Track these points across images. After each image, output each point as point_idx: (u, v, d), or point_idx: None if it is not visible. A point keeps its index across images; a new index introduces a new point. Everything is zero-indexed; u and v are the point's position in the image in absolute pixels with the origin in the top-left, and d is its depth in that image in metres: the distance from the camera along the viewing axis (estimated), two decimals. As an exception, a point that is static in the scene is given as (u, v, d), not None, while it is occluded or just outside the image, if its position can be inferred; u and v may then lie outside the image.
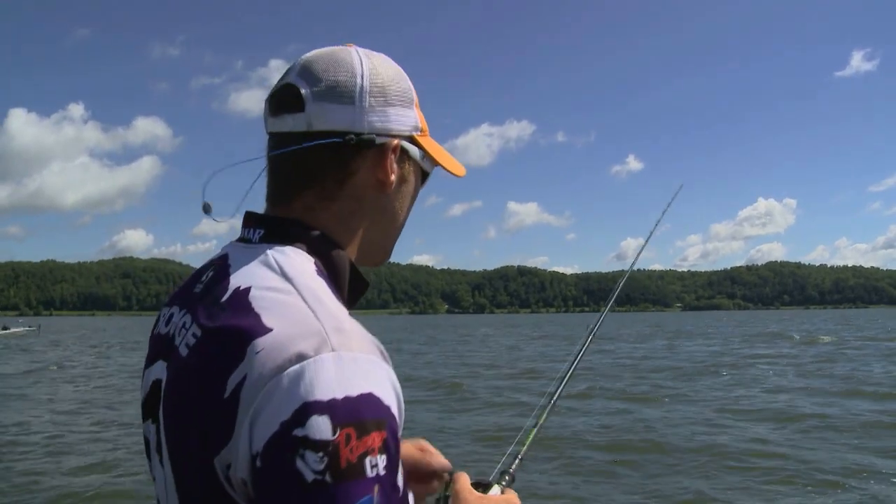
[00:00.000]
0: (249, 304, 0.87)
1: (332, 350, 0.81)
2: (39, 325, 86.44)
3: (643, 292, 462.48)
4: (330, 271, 0.98)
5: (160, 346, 1.01)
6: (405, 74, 1.08)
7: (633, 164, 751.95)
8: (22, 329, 72.23)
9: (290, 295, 0.88)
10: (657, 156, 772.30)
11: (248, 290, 0.90)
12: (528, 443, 1.57)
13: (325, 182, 1.01)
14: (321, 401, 0.77)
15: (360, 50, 1.06)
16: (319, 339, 0.82)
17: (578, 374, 2.61)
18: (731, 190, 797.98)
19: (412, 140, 1.06)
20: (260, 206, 1.08)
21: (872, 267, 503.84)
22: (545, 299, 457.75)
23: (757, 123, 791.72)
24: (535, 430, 1.64)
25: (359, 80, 1.00)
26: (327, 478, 0.75)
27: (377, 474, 0.78)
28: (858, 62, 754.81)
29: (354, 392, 0.79)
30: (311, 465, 0.75)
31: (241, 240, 1.05)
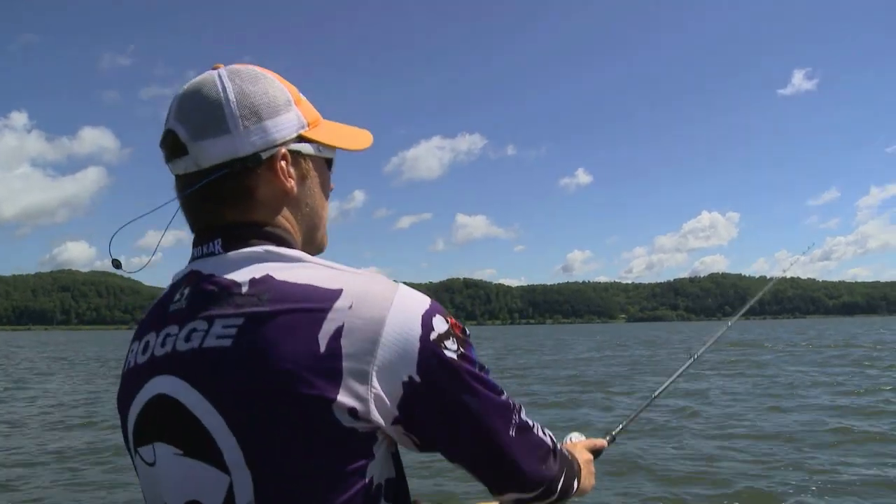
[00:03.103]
0: (287, 281, 0.96)
1: (398, 285, 0.99)
2: None
3: (588, 304, 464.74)
4: None
5: (149, 370, 1.01)
6: (274, 78, 1.09)
7: (583, 177, 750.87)
8: None
9: (315, 267, 0.99)
10: (606, 169, 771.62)
11: (267, 276, 0.97)
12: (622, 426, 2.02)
13: (237, 204, 1.05)
14: (428, 308, 0.97)
15: (224, 72, 1.06)
16: (385, 281, 0.99)
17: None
18: (677, 203, 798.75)
19: (301, 138, 1.09)
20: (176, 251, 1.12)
21: (809, 279, 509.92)
22: (491, 311, 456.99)
23: (702, 140, 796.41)
24: (634, 415, 2.13)
25: (227, 108, 1.02)
26: (461, 349, 0.99)
27: (468, 333, 1.03)
28: (800, 81, 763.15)
29: (428, 299, 1.00)
30: (452, 349, 0.97)
31: (199, 257, 1.06)
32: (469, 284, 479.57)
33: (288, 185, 1.07)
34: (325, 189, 1.17)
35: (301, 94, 1.13)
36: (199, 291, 1.00)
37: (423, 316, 0.96)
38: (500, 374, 21.72)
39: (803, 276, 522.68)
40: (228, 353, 0.92)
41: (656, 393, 2.21)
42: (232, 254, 1.02)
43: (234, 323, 0.94)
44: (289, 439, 0.90)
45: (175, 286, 1.06)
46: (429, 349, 0.95)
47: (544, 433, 1.15)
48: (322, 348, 0.89)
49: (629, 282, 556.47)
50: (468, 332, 1.04)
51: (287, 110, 1.07)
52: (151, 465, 1.01)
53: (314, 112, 1.14)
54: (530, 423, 1.11)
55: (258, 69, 1.09)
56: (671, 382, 2.30)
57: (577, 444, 1.64)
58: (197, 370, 0.95)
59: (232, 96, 1.03)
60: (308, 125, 1.10)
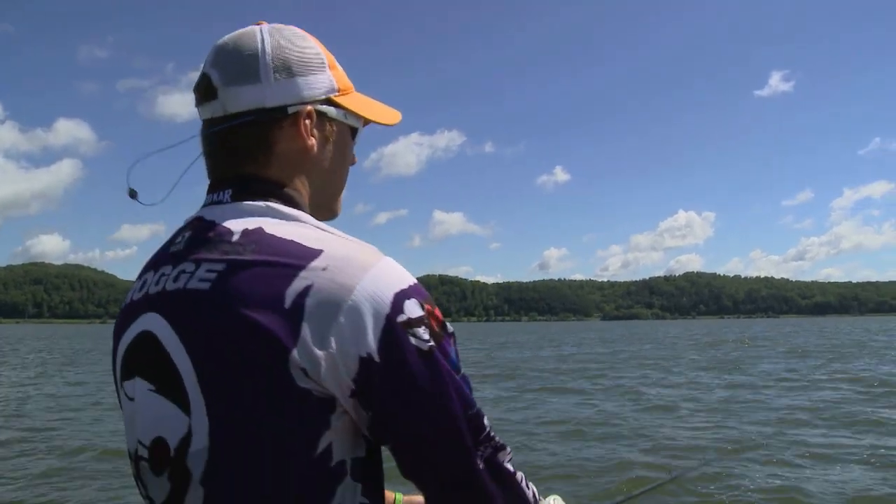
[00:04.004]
0: (274, 235, 0.96)
1: (383, 256, 0.97)
2: None
3: (563, 301, 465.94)
4: None
5: (140, 306, 1.04)
6: (314, 41, 1.12)
7: (561, 175, 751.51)
8: None
9: (308, 227, 1.00)
10: (584, 167, 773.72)
11: (260, 228, 0.98)
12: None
13: (256, 156, 1.07)
14: (404, 289, 0.93)
15: (267, 27, 1.10)
16: (371, 250, 0.97)
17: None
18: (654, 202, 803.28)
19: (330, 101, 1.11)
20: (192, 194, 1.16)
21: (783, 278, 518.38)
22: (466, 308, 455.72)
23: (680, 139, 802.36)
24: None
25: (262, 59, 1.05)
26: (434, 341, 0.93)
27: (450, 331, 0.98)
28: (777, 83, 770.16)
29: (413, 280, 0.96)
30: (422, 337, 0.92)
31: (209, 204, 1.08)
32: (445, 281, 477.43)
33: (309, 143, 1.08)
34: (347, 158, 1.19)
35: (337, 63, 1.15)
36: (197, 236, 1.03)
37: (396, 294, 0.92)
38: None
39: (777, 276, 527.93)
40: (205, 295, 0.95)
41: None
42: (236, 204, 1.04)
43: (216, 268, 0.96)
44: (245, 390, 0.90)
45: (180, 230, 1.09)
46: (393, 331, 0.91)
47: (527, 486, 1.05)
48: (287, 303, 0.89)
49: (605, 280, 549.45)
50: (451, 329, 0.99)
51: (320, 72, 1.10)
52: (132, 400, 1.04)
53: (347, 81, 1.16)
54: (510, 468, 1.01)
55: (299, 30, 1.12)
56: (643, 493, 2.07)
57: None
58: (177, 310, 0.97)
59: (268, 49, 1.06)
60: (339, 91, 1.13)
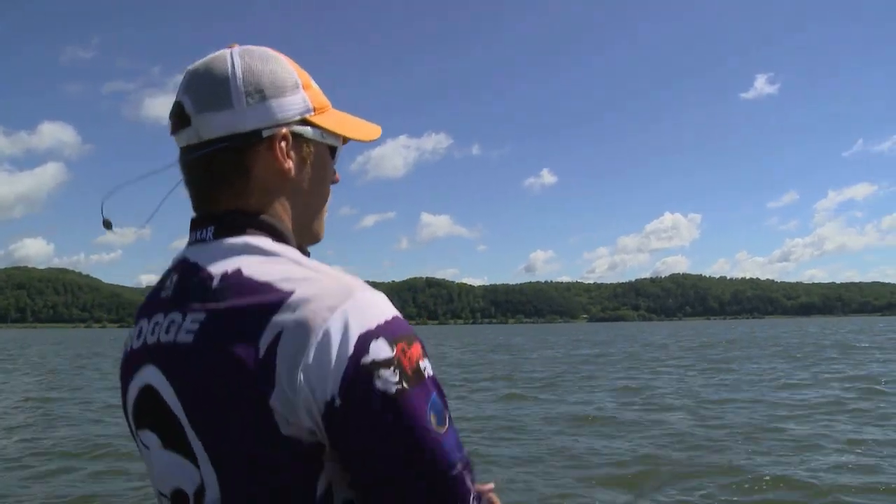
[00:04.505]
0: (251, 278, 0.95)
1: (354, 292, 0.92)
2: None
3: (550, 304, 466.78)
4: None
5: (140, 357, 1.04)
6: (287, 62, 1.11)
7: (547, 177, 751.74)
8: None
9: (286, 264, 0.97)
10: (571, 170, 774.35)
11: (238, 270, 0.97)
12: None
13: (234, 182, 1.06)
14: (371, 329, 0.89)
15: (238, 49, 1.09)
16: (341, 287, 0.92)
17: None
18: (640, 204, 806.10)
19: (305, 122, 1.09)
20: (175, 204, 1.15)
21: (768, 279, 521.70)
22: (453, 311, 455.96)
23: (665, 140, 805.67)
24: None
25: (233, 83, 1.04)
26: (405, 385, 0.88)
27: (430, 374, 0.92)
28: (762, 85, 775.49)
29: (389, 316, 0.92)
30: (389, 380, 0.87)
31: (193, 242, 1.08)
32: (431, 284, 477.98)
33: (286, 165, 1.07)
34: (327, 178, 1.17)
35: (312, 81, 1.14)
36: (183, 281, 1.03)
37: (360, 335, 0.89)
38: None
39: (762, 277, 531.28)
40: (190, 349, 0.95)
41: None
42: (218, 244, 1.03)
43: (198, 318, 0.96)
44: (236, 441, 0.91)
45: (168, 272, 1.08)
46: (356, 373, 0.87)
47: None
48: (262, 353, 0.88)
49: (591, 282, 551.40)
50: (430, 373, 0.93)
51: (293, 93, 1.08)
52: (148, 448, 1.05)
53: (323, 99, 1.14)
54: None
55: (271, 51, 1.11)
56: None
57: None
58: (171, 363, 0.98)
59: (239, 73, 1.05)
60: (314, 110, 1.11)
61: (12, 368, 29.35)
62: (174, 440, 0.98)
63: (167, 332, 1.00)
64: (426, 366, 0.92)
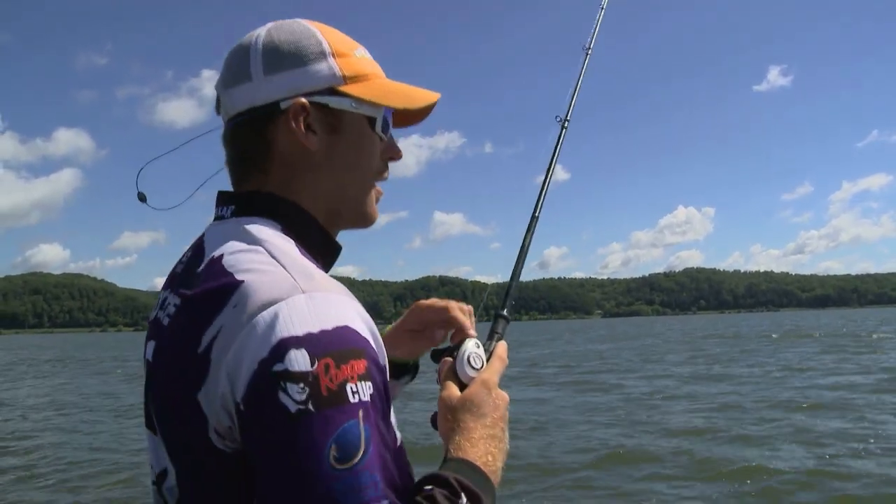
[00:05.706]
0: (222, 267, 0.92)
1: (303, 292, 0.85)
2: None
3: (564, 300, 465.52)
4: (297, 234, 1.02)
5: (151, 330, 1.05)
6: (315, 30, 1.06)
7: (560, 173, 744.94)
8: None
9: (259, 253, 0.93)
10: (583, 165, 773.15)
11: (220, 256, 0.94)
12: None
13: (256, 157, 1.05)
14: (297, 335, 0.80)
15: (270, 25, 1.07)
16: (289, 284, 0.86)
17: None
18: (653, 199, 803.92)
19: (333, 91, 1.04)
20: (194, 202, 1.16)
21: (783, 272, 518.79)
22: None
23: (678, 134, 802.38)
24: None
25: (252, 56, 1.03)
26: (310, 406, 0.78)
27: (360, 400, 0.80)
28: (775, 77, 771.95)
29: (329, 325, 0.82)
30: (293, 397, 0.78)
31: (216, 219, 1.08)
32: (445, 282, 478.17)
33: (304, 137, 1.02)
34: (366, 151, 1.09)
35: (356, 51, 1.09)
36: (190, 259, 1.03)
37: (282, 339, 0.80)
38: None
39: (777, 270, 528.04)
40: (165, 332, 0.96)
41: None
42: (230, 224, 1.02)
43: (176, 302, 0.97)
44: (179, 433, 0.91)
45: (190, 247, 1.08)
46: (261, 380, 0.80)
47: None
48: (201, 347, 0.86)
49: (605, 277, 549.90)
50: (361, 396, 0.81)
51: (317, 61, 1.03)
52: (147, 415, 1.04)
53: (360, 68, 1.07)
54: None
55: (303, 22, 1.08)
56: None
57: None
58: (157, 343, 0.99)
59: (260, 45, 1.03)
60: (345, 79, 1.05)
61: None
62: (150, 420, 0.99)
63: (162, 309, 1.01)
64: (359, 389, 0.81)
